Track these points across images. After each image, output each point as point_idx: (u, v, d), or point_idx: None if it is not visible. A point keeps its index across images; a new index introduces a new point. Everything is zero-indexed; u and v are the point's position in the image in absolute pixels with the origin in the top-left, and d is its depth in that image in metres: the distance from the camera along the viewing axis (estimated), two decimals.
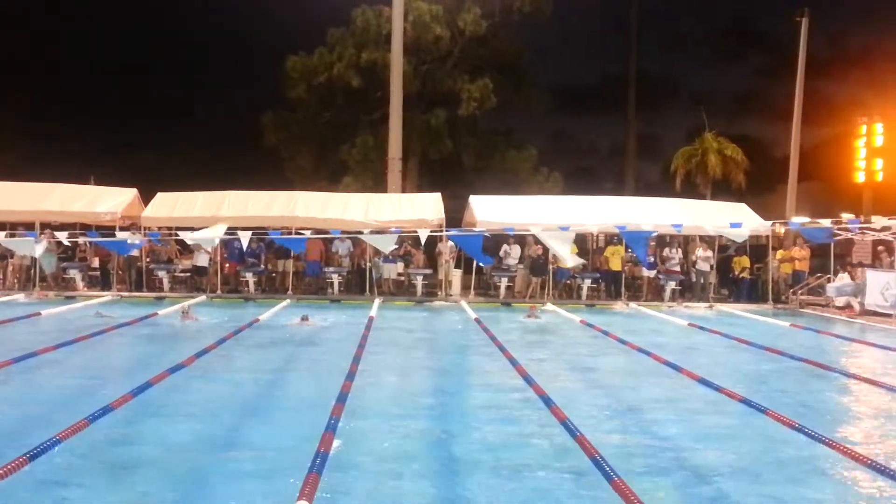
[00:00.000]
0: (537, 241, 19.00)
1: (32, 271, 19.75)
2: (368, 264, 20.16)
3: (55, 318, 14.44)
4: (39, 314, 14.46)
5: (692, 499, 5.51)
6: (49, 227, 20.17)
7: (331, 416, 6.62)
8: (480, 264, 19.20)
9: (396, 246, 18.91)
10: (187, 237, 15.60)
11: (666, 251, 20.82)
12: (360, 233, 16.49)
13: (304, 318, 14.05)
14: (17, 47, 34.40)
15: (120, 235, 16.95)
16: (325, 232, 18.38)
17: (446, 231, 18.06)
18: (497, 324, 14.63)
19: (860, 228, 19.04)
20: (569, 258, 12.83)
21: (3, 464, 4.72)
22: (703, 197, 28.90)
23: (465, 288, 21.07)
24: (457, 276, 20.88)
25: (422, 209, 20.59)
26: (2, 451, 5.51)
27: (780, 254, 21.46)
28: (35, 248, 8.24)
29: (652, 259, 20.50)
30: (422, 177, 30.93)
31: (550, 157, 34.12)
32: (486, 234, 16.51)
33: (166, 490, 5.45)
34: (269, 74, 32.37)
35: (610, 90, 42.95)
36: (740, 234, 13.64)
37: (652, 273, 20.78)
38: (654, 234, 16.88)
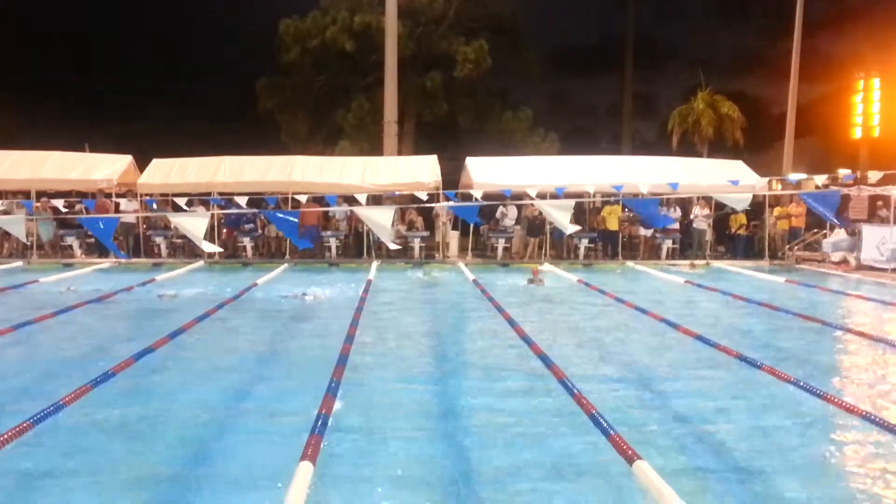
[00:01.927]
0: None
1: (31, 239, 19.75)
2: (366, 227, 20.16)
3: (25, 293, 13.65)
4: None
5: (688, 452, 5.60)
6: (45, 195, 20.18)
7: (331, 378, 6.71)
8: (470, 223, 19.26)
9: (398, 227, 18.91)
10: (179, 222, 13.85)
11: (665, 209, 20.79)
12: (356, 201, 16.43)
13: (304, 294, 13.33)
14: (14, 16, 34.01)
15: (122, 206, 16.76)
16: (322, 198, 18.29)
17: (444, 203, 18.04)
18: (494, 285, 14.69)
19: (857, 184, 19.07)
20: (568, 226, 12.87)
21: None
22: (699, 155, 28.89)
23: (463, 250, 21.12)
24: (454, 237, 20.92)
25: (418, 172, 20.55)
26: None
27: (776, 210, 21.47)
28: (22, 228, 8.09)
29: None
30: (418, 140, 30.82)
31: (547, 117, 34.12)
32: (481, 203, 16.54)
33: (169, 454, 5.52)
34: (262, 39, 32.07)
35: (607, 50, 42.67)
36: (742, 202, 13.55)
37: (649, 232, 20.80)
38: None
